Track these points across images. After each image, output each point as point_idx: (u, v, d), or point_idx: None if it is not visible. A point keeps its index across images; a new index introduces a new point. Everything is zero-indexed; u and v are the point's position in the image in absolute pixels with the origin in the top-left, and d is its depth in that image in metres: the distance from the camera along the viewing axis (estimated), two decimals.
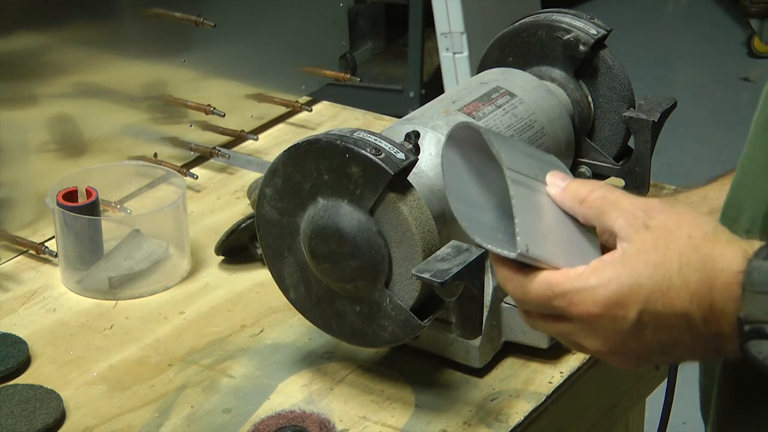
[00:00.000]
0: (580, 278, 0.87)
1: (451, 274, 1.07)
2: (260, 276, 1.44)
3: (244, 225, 1.43)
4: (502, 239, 0.93)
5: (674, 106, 1.43)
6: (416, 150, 1.16)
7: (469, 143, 0.96)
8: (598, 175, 1.46)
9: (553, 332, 0.92)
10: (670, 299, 0.83)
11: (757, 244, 0.83)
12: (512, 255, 0.89)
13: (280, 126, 1.85)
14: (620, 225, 0.87)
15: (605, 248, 0.90)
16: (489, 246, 0.92)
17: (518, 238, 0.89)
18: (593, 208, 0.89)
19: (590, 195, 0.89)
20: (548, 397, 1.22)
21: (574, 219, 0.93)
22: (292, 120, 1.87)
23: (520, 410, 1.20)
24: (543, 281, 0.89)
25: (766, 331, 0.78)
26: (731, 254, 0.82)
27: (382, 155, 1.12)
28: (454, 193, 0.96)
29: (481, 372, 1.25)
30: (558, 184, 0.91)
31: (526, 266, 0.91)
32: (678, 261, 0.83)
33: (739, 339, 0.81)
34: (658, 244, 0.84)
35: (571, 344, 0.92)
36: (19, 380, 1.26)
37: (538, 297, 0.89)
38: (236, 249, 1.47)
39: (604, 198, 0.89)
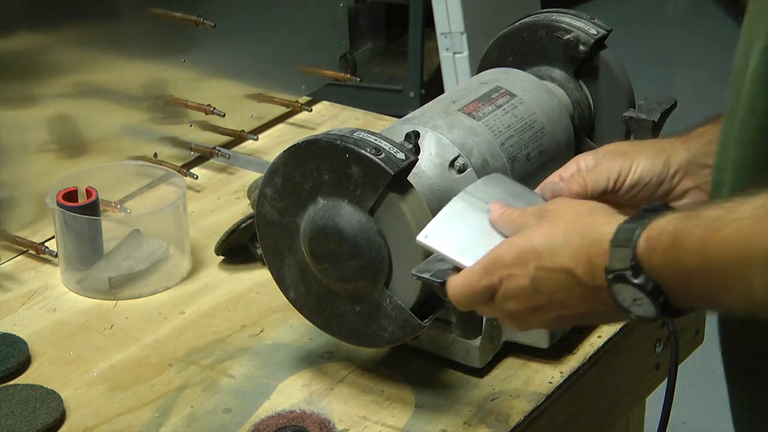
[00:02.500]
0: (488, 254, 1.04)
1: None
2: (260, 276, 1.44)
3: (244, 225, 1.43)
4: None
5: (674, 106, 1.43)
6: (416, 150, 1.16)
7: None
8: None
9: (497, 311, 1.05)
10: (557, 257, 0.98)
11: None
12: (417, 240, 1.07)
13: (280, 126, 1.85)
14: (528, 223, 1.04)
15: None
16: (418, 239, 1.07)
17: (423, 230, 1.07)
18: (516, 224, 1.05)
19: (518, 217, 1.06)
20: (548, 397, 1.22)
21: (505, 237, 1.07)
22: (292, 120, 1.87)
23: (520, 410, 1.20)
24: (460, 277, 1.05)
25: (624, 276, 0.92)
26: (608, 222, 0.97)
27: (382, 155, 1.12)
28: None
29: (481, 372, 1.25)
30: (497, 210, 1.07)
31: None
32: (564, 228, 0.99)
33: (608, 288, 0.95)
34: (551, 219, 1.02)
35: (509, 321, 1.05)
36: (19, 380, 1.26)
37: (470, 285, 1.04)
38: (236, 249, 1.47)
39: (524, 213, 1.05)
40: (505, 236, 1.05)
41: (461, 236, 1.06)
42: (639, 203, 1.17)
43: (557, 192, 1.15)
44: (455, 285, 1.04)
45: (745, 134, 0.98)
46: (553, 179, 1.19)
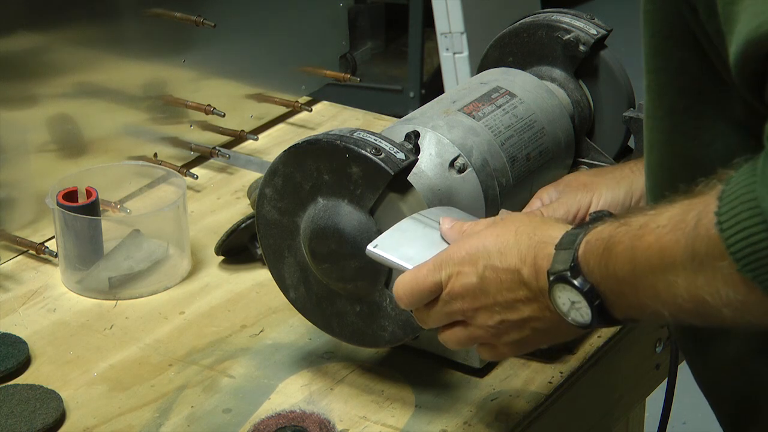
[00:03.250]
0: (439, 253, 1.05)
1: None
2: (260, 276, 1.44)
3: (244, 225, 1.43)
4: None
5: None
6: (416, 150, 1.16)
7: None
8: None
9: (438, 315, 1.05)
10: (506, 257, 1.00)
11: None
12: (366, 250, 1.09)
13: (280, 126, 1.85)
14: (480, 229, 1.06)
15: None
16: (368, 249, 1.09)
17: (373, 242, 1.08)
18: (467, 233, 1.07)
19: (469, 227, 1.08)
20: (548, 397, 1.22)
21: None
22: (292, 120, 1.87)
23: (520, 410, 1.20)
24: (409, 273, 1.06)
25: (564, 277, 0.95)
26: (556, 228, 1.00)
27: (382, 155, 1.12)
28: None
29: (481, 372, 1.25)
30: (448, 222, 1.10)
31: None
32: (515, 231, 1.02)
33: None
34: (503, 223, 1.04)
35: (450, 334, 1.06)
36: (19, 380, 1.26)
37: (417, 280, 1.05)
38: (236, 249, 1.47)
39: (476, 223, 1.08)
40: None
41: (410, 247, 1.08)
42: None
43: None
44: (403, 281, 1.05)
45: (650, 165, 1.05)
46: None
